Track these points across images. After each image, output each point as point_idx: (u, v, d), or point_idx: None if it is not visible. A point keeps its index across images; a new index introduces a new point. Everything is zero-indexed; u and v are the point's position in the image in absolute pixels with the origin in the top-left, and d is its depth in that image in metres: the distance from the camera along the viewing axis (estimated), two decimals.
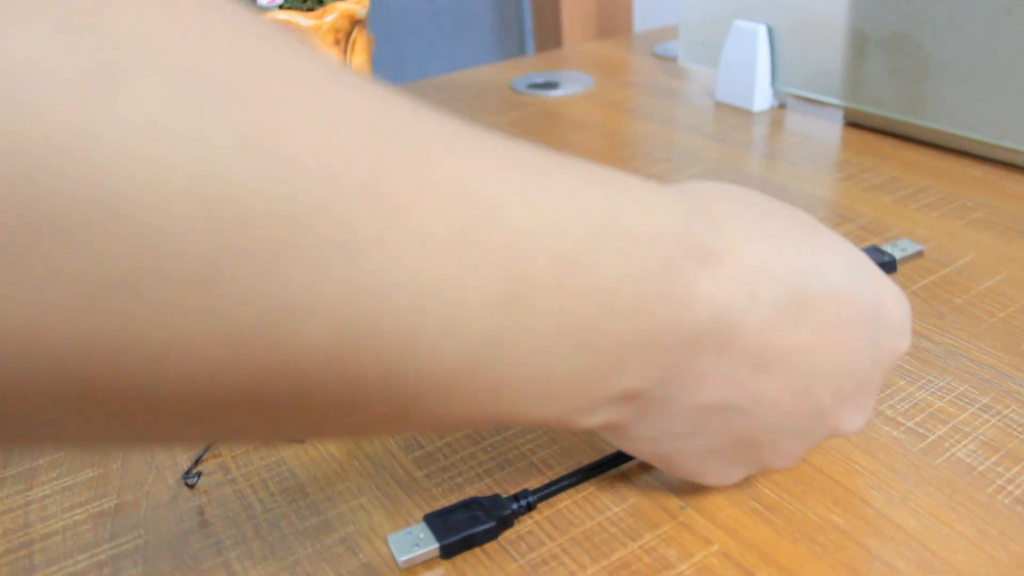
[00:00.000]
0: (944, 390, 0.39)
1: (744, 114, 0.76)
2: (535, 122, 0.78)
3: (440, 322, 0.18)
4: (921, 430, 0.37)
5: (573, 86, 0.86)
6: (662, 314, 0.22)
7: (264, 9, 0.61)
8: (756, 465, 0.29)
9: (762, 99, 0.77)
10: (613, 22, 1.19)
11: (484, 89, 0.89)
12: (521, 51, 1.26)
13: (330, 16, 0.62)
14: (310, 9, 0.62)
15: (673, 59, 0.93)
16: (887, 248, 0.50)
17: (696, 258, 0.23)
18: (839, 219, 0.56)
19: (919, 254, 0.50)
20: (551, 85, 0.86)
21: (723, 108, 0.78)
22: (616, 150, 0.70)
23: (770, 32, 0.75)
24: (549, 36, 1.18)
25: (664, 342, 0.23)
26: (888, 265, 0.48)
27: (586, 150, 0.70)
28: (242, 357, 0.16)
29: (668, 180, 0.63)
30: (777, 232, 0.26)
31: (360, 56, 0.65)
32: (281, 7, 0.62)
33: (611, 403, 0.24)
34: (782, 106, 0.78)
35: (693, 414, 0.26)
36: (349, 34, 0.63)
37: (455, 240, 0.18)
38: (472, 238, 0.18)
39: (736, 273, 0.24)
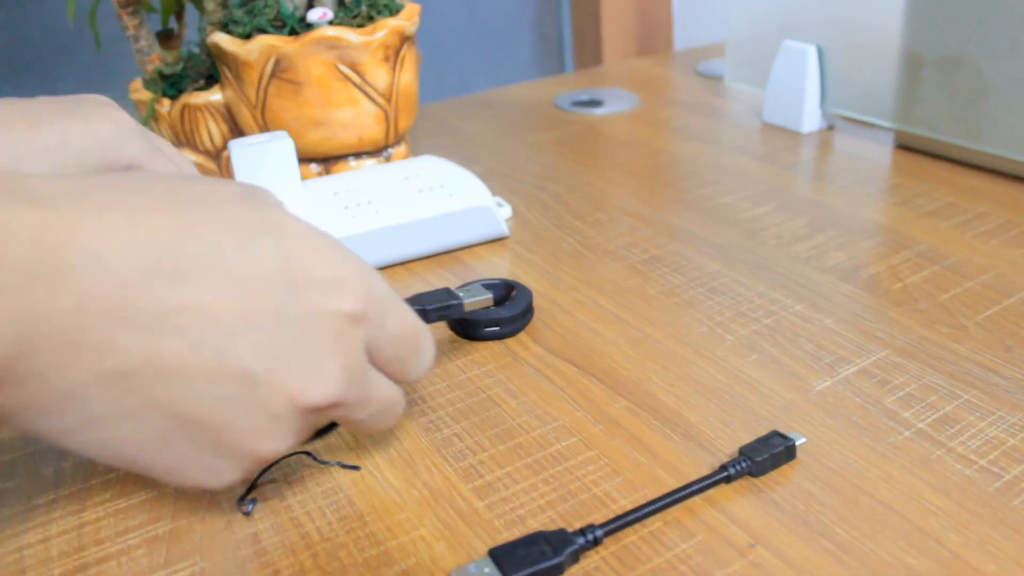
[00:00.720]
0: (1016, 426, 0.38)
1: (792, 135, 0.75)
2: (580, 140, 0.77)
3: None
4: (995, 469, 0.36)
5: (617, 104, 0.85)
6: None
7: (314, 25, 0.61)
8: (236, 453, 0.28)
9: (811, 120, 0.76)
10: (653, 39, 1.19)
11: (527, 106, 0.88)
12: (560, 68, 1.25)
13: (380, 33, 0.61)
14: (360, 25, 0.62)
15: (717, 78, 0.92)
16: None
17: (17, 195, 0.23)
18: (896, 246, 0.54)
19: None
20: (595, 103, 0.86)
21: (770, 129, 0.77)
22: (664, 170, 0.69)
23: (820, 52, 0.74)
24: (588, 53, 1.18)
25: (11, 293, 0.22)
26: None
27: (633, 169, 0.69)
28: None
29: (718, 201, 0.63)
30: (150, 205, 0.26)
31: (409, 73, 0.65)
32: (331, 23, 0.61)
33: None
34: (831, 127, 0.77)
35: (98, 390, 0.25)
36: (398, 51, 0.63)
37: None
38: None
39: (74, 231, 0.23)
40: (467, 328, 0.47)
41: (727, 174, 0.68)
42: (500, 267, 0.55)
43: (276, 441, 0.28)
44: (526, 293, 0.48)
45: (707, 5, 1.13)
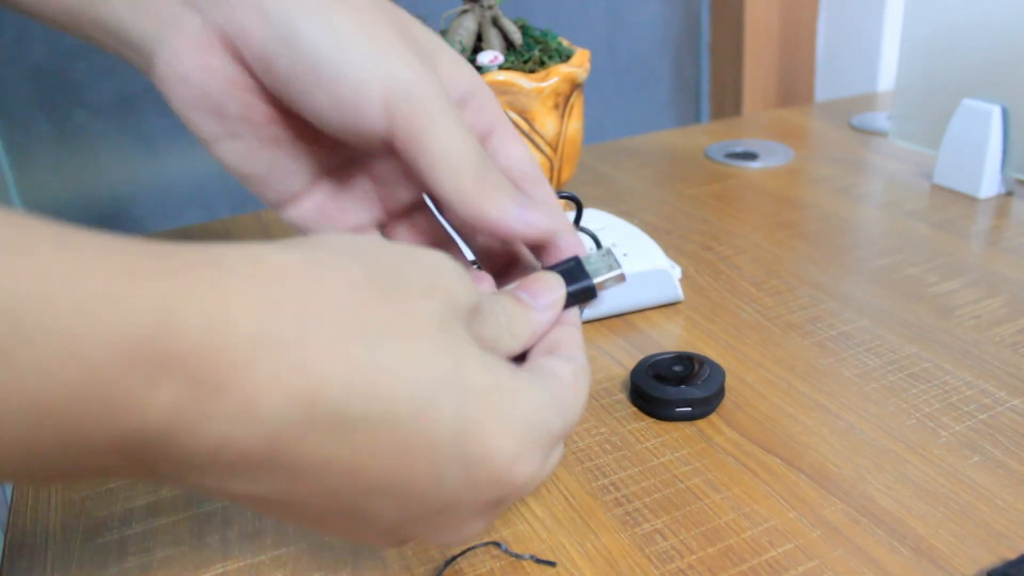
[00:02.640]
0: None
1: (968, 200, 0.71)
2: (741, 196, 0.74)
3: None
4: None
5: (773, 158, 0.82)
6: (104, 421, 0.19)
7: (485, 70, 0.59)
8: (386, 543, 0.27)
9: (990, 185, 0.71)
10: (795, 89, 1.15)
11: (677, 155, 0.85)
12: (695, 114, 1.22)
13: (552, 79, 0.59)
14: (531, 71, 0.60)
15: (875, 132, 0.88)
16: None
17: (157, 361, 0.19)
18: None
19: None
20: (750, 155, 0.82)
21: (943, 192, 0.73)
22: (836, 234, 0.65)
23: (1005, 113, 0.70)
24: (728, 101, 1.14)
25: (112, 448, 0.19)
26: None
27: (802, 232, 0.66)
28: None
29: (902, 273, 0.58)
30: (339, 327, 0.22)
31: (576, 121, 0.63)
32: (501, 67, 0.60)
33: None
34: (1010, 193, 0.72)
35: (239, 497, 0.23)
36: (568, 98, 0.61)
37: None
38: None
39: (235, 365, 0.20)
40: (655, 406, 0.44)
41: (905, 242, 0.63)
42: (677, 336, 0.52)
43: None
44: (718, 372, 0.45)
45: (853, 54, 1.09)
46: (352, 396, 0.22)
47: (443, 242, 0.35)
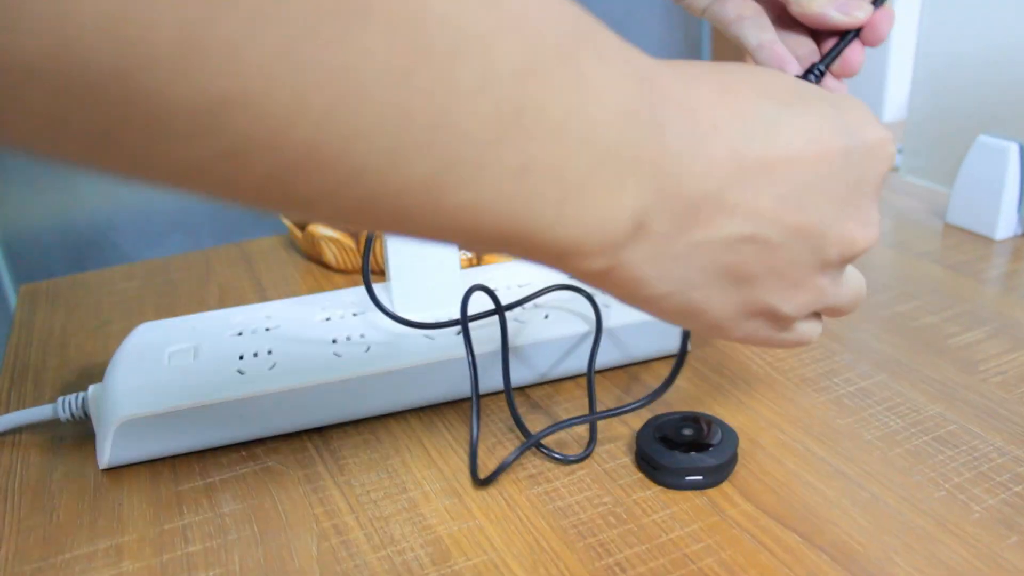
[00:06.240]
0: None
1: (984, 242, 0.68)
2: None
3: (474, 74, 0.20)
4: None
5: None
6: (645, 126, 0.24)
7: None
8: (793, 302, 0.31)
9: (1006, 226, 0.68)
10: None
11: None
12: None
13: None
14: None
15: None
16: None
17: (662, 92, 0.25)
18: None
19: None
20: None
21: (956, 232, 0.70)
22: None
23: (1021, 151, 0.67)
24: None
25: (651, 157, 0.24)
26: None
27: None
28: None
29: (920, 322, 0.55)
30: (735, 82, 0.28)
31: None
32: None
33: (622, 231, 0.25)
34: None
35: (704, 250, 0.27)
36: None
37: None
38: (498, 1, 0.20)
39: (696, 111, 0.26)
40: (663, 474, 0.41)
41: (921, 287, 0.60)
42: (683, 390, 0.49)
43: (825, 285, 0.31)
44: (731, 436, 0.42)
45: (857, 83, 1.06)
46: (763, 108, 0.28)
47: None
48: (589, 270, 0.26)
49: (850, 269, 0.33)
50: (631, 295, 0.28)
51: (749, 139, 0.27)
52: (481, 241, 0.24)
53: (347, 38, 0.18)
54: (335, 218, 0.22)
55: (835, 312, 0.34)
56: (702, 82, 0.27)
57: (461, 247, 0.25)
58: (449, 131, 0.20)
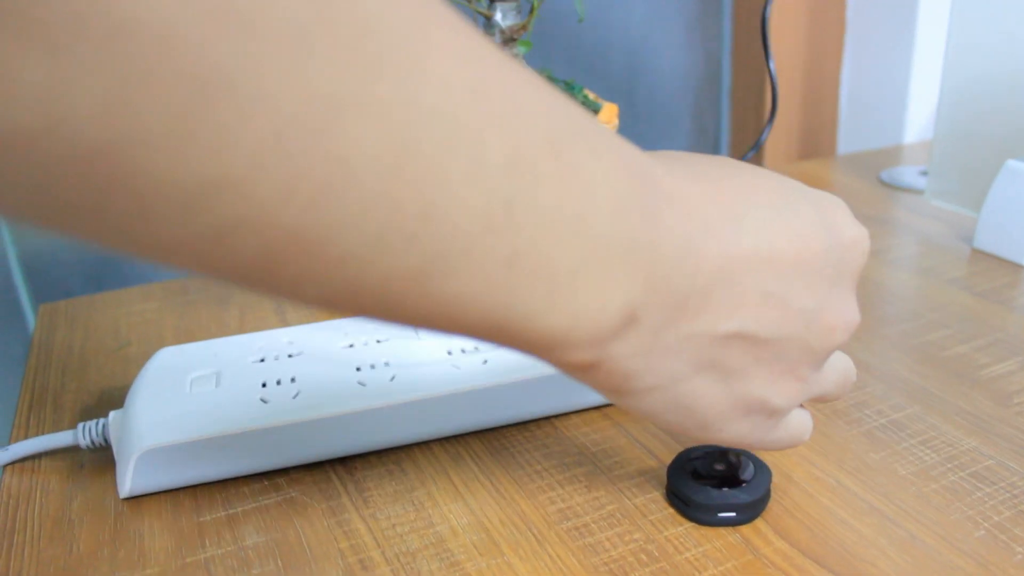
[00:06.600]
0: None
1: (1013, 268, 0.67)
2: None
3: (464, 166, 0.20)
4: None
5: None
6: (637, 220, 0.25)
7: None
8: (782, 392, 0.31)
9: None
10: (817, 139, 1.11)
11: None
12: None
13: None
14: None
15: (905, 189, 0.84)
16: None
17: (654, 188, 0.26)
18: None
19: None
20: None
21: (984, 258, 0.69)
22: (875, 304, 0.61)
23: None
24: (748, 151, 1.11)
25: (642, 250, 0.25)
26: None
27: None
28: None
29: (950, 352, 0.54)
30: (718, 178, 0.29)
31: None
32: None
33: (611, 324, 0.25)
34: None
35: (690, 344, 0.28)
36: None
37: (475, 91, 0.20)
38: (489, 94, 0.20)
39: (687, 208, 0.27)
40: (695, 510, 0.40)
41: (950, 315, 0.59)
42: None
43: (809, 374, 0.32)
44: (764, 471, 0.41)
45: (879, 103, 1.05)
46: (748, 204, 0.29)
47: None
48: (577, 362, 0.26)
49: (837, 354, 0.35)
50: (618, 389, 0.28)
51: (738, 239, 0.28)
52: (470, 330, 0.24)
53: (337, 128, 0.18)
54: (322, 303, 0.22)
55: (825, 399, 0.36)
56: (693, 181, 0.28)
57: (449, 334, 0.24)
58: (438, 222, 0.20)
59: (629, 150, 0.26)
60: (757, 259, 0.28)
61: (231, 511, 0.42)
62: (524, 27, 0.57)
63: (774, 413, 0.32)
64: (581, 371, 0.27)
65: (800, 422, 0.35)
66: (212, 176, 0.17)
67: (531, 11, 0.58)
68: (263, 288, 0.21)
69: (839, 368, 0.35)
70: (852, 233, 0.32)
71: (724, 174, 0.29)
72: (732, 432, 0.32)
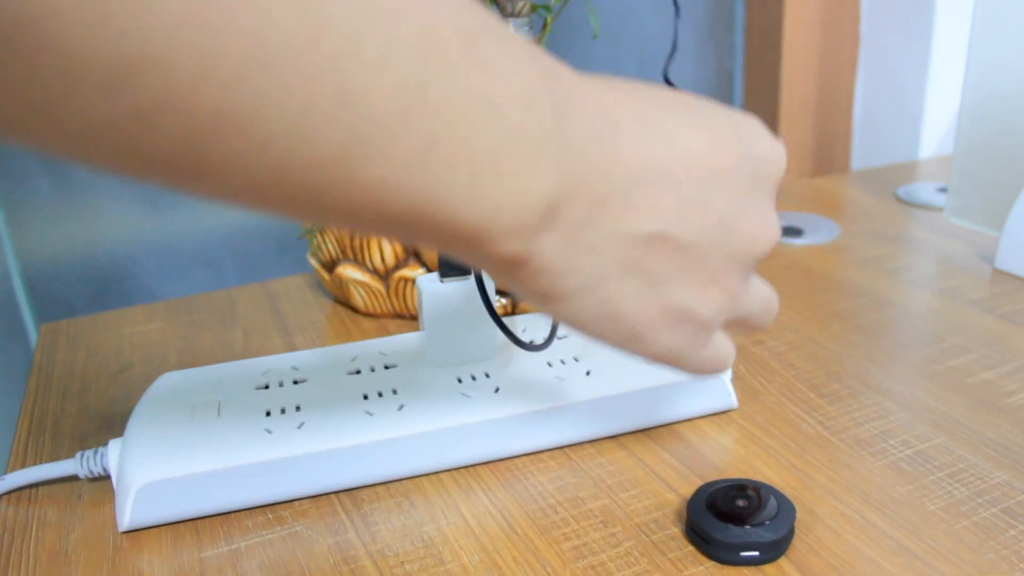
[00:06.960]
0: None
1: None
2: (787, 278, 0.68)
3: (378, 44, 0.21)
4: None
5: (818, 234, 0.76)
6: (548, 114, 0.25)
7: None
8: (709, 299, 0.31)
9: None
10: (831, 154, 1.10)
11: None
12: None
13: None
14: None
15: (923, 206, 0.83)
16: None
17: (565, 88, 0.26)
18: None
19: None
20: (793, 231, 0.77)
21: (1006, 278, 0.67)
22: (897, 328, 0.59)
23: None
24: None
25: (555, 144, 0.25)
26: None
27: (860, 324, 0.60)
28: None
29: (976, 378, 0.53)
30: (636, 93, 0.29)
31: None
32: None
33: (534, 214, 0.25)
34: None
35: (612, 245, 0.28)
36: None
37: None
38: None
39: (597, 109, 0.27)
40: (716, 548, 0.38)
41: (974, 339, 0.58)
42: (732, 452, 0.46)
43: (735, 284, 0.32)
44: (788, 508, 0.39)
45: (893, 118, 1.04)
46: (668, 113, 0.30)
47: None
48: (504, 256, 0.26)
49: (758, 281, 0.35)
50: (545, 294, 0.28)
51: (651, 143, 0.28)
52: (396, 223, 0.24)
53: (253, 4, 0.18)
54: (252, 195, 0.22)
55: (749, 322, 0.35)
56: (605, 88, 0.28)
57: (378, 233, 0.25)
58: (355, 103, 0.21)
59: (540, 53, 0.26)
60: (674, 162, 0.29)
61: (233, 546, 0.41)
62: (537, 43, 0.55)
63: (703, 327, 0.32)
64: (509, 269, 0.27)
65: (725, 345, 0.34)
66: (131, 53, 0.18)
67: (544, 27, 0.56)
68: (194, 176, 0.21)
69: (763, 292, 0.35)
70: (766, 143, 0.32)
71: (637, 86, 0.30)
72: (661, 344, 0.31)
